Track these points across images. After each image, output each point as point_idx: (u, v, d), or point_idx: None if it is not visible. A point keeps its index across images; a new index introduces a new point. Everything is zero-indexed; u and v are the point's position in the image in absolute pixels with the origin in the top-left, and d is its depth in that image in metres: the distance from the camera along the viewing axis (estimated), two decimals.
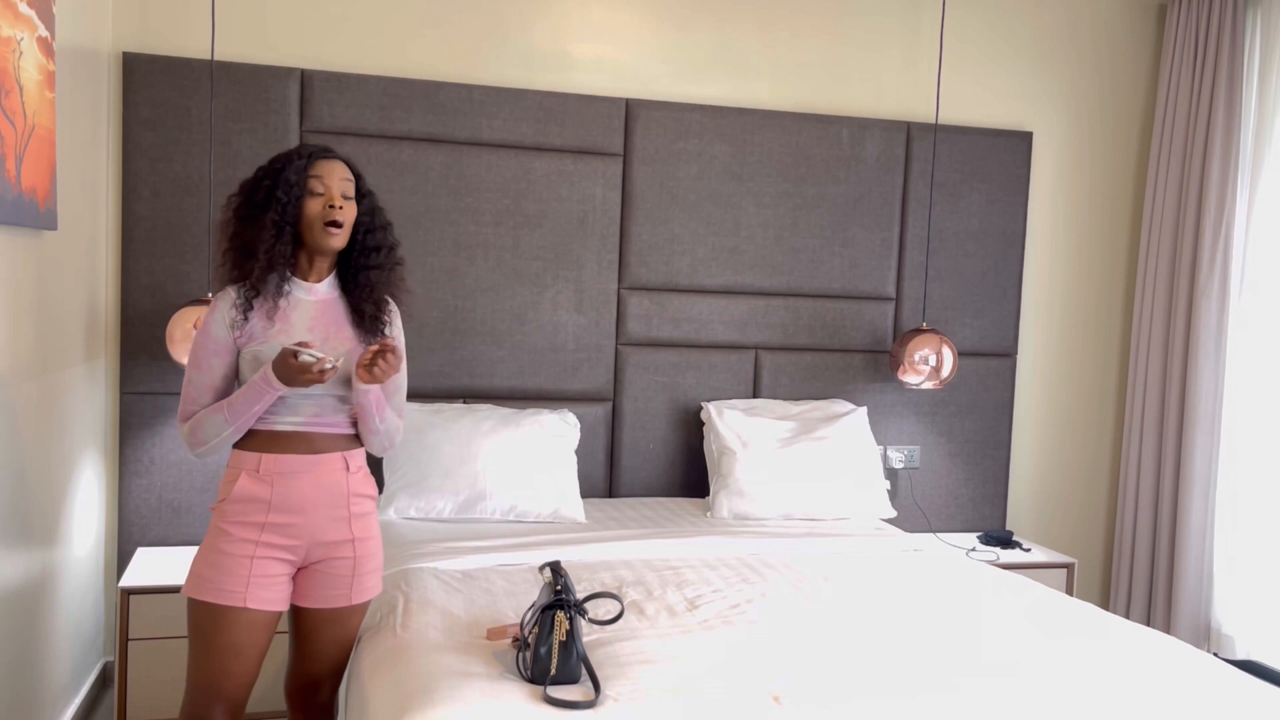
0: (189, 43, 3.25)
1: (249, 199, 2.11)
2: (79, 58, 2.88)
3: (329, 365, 1.99)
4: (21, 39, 2.24)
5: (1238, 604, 3.76)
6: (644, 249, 3.65)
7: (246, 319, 2.09)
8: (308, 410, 2.11)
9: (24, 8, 2.25)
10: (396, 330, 2.27)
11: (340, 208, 2.09)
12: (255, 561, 2.07)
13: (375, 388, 2.13)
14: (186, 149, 3.25)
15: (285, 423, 2.10)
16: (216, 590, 2.05)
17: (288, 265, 2.11)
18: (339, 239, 2.12)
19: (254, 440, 2.11)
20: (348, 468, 2.16)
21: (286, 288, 2.13)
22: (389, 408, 2.21)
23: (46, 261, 2.61)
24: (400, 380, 2.28)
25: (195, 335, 2.15)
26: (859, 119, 3.81)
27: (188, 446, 2.13)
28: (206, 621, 2.06)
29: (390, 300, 2.25)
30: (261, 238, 2.07)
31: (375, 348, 2.06)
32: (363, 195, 2.18)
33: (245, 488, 2.08)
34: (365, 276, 2.18)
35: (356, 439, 2.21)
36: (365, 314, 2.18)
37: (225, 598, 2.04)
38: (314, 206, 2.09)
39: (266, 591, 2.08)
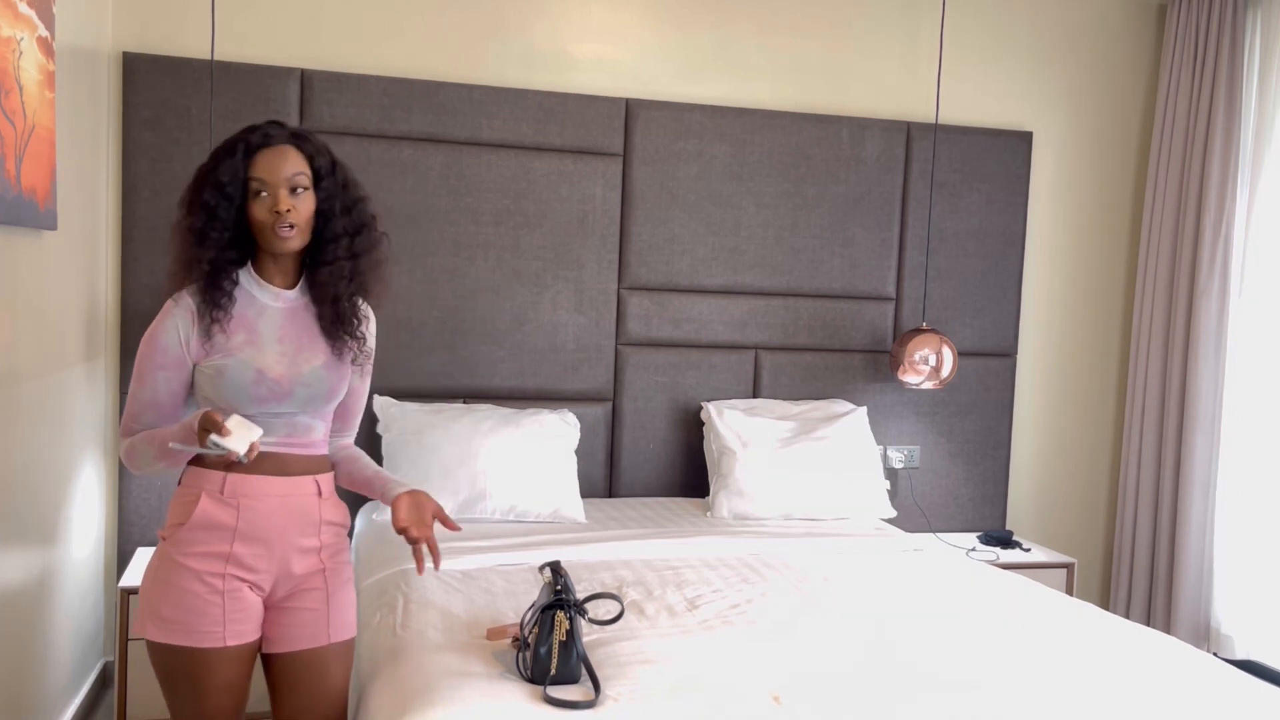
0: (189, 43, 3.25)
1: (189, 201, 1.84)
2: (79, 58, 2.88)
3: (236, 459, 1.74)
4: (21, 39, 2.24)
5: (1238, 604, 3.76)
6: (644, 249, 3.65)
7: (207, 334, 1.85)
8: (280, 430, 1.90)
9: (24, 8, 2.25)
10: (369, 332, 2.02)
11: (288, 210, 1.81)
12: (227, 597, 1.84)
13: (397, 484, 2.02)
14: (186, 149, 3.24)
15: None
16: (188, 632, 1.82)
17: (227, 274, 1.85)
18: (292, 241, 1.84)
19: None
20: (320, 492, 1.95)
21: (236, 293, 1.87)
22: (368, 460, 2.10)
23: (46, 261, 2.60)
24: (367, 389, 2.10)
25: (141, 344, 1.88)
26: (859, 119, 3.81)
27: (125, 464, 1.90)
28: (188, 667, 1.84)
29: (358, 296, 1.96)
30: (192, 251, 1.82)
31: (423, 544, 1.93)
32: (321, 178, 1.87)
33: (207, 512, 1.84)
34: (325, 273, 1.89)
35: (328, 460, 2.03)
36: (328, 316, 1.92)
37: (203, 639, 1.83)
38: (259, 211, 1.82)
39: (243, 625, 1.87)
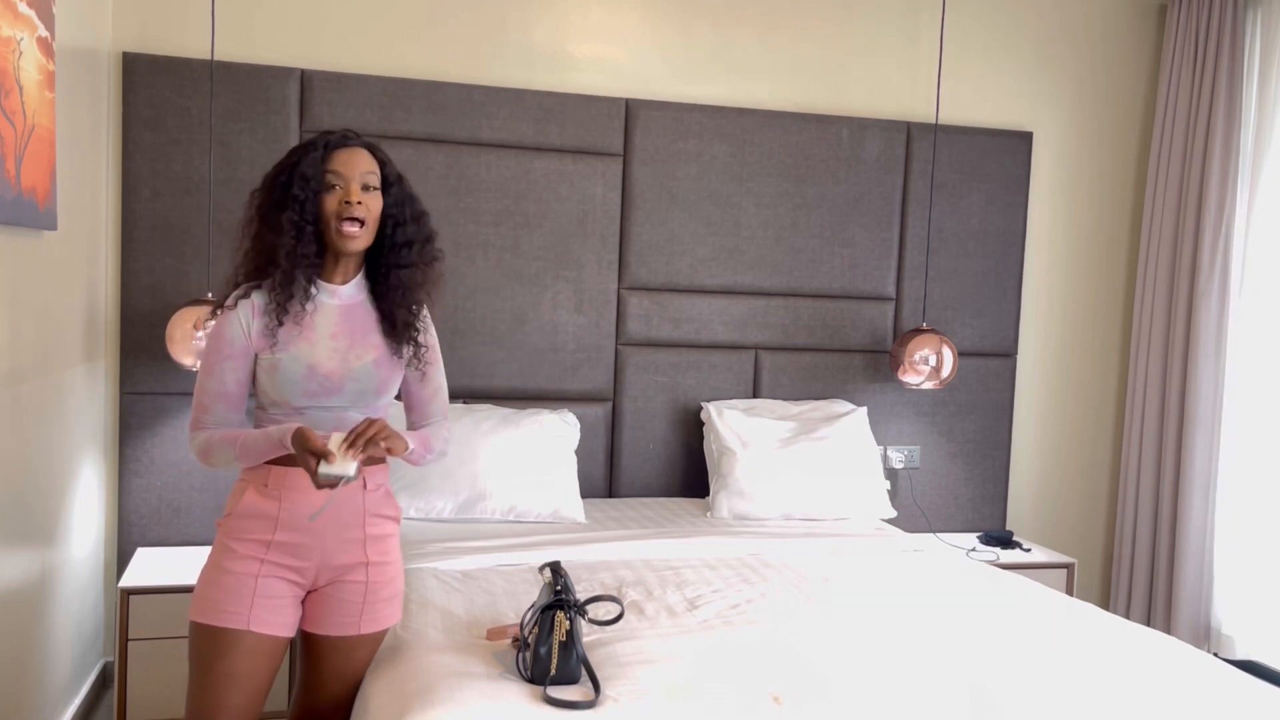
0: (189, 43, 3.25)
1: (269, 197, 1.93)
2: (79, 58, 2.88)
3: (341, 483, 1.77)
4: (21, 39, 2.24)
5: (1238, 604, 3.76)
6: (644, 249, 3.65)
7: (278, 323, 1.92)
8: (327, 424, 1.95)
9: (24, 8, 2.25)
10: (431, 338, 2.09)
11: (358, 203, 1.90)
12: (260, 581, 1.92)
13: (413, 437, 1.99)
14: (186, 149, 3.25)
15: None
16: (218, 612, 1.90)
17: (313, 268, 1.94)
18: (358, 240, 1.93)
19: None
20: (364, 485, 2.00)
21: (313, 290, 1.95)
22: (434, 435, 2.07)
23: (46, 261, 2.60)
24: (439, 382, 2.12)
25: (207, 338, 1.98)
26: (859, 119, 3.81)
27: (197, 458, 1.98)
28: (207, 646, 1.91)
29: (423, 304, 2.06)
30: (281, 240, 1.89)
31: (357, 431, 1.80)
32: (390, 184, 1.98)
33: (252, 502, 1.94)
34: (396, 277, 1.99)
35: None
36: (397, 320, 2.00)
37: (227, 619, 1.89)
38: (330, 202, 1.91)
39: (271, 615, 1.93)
